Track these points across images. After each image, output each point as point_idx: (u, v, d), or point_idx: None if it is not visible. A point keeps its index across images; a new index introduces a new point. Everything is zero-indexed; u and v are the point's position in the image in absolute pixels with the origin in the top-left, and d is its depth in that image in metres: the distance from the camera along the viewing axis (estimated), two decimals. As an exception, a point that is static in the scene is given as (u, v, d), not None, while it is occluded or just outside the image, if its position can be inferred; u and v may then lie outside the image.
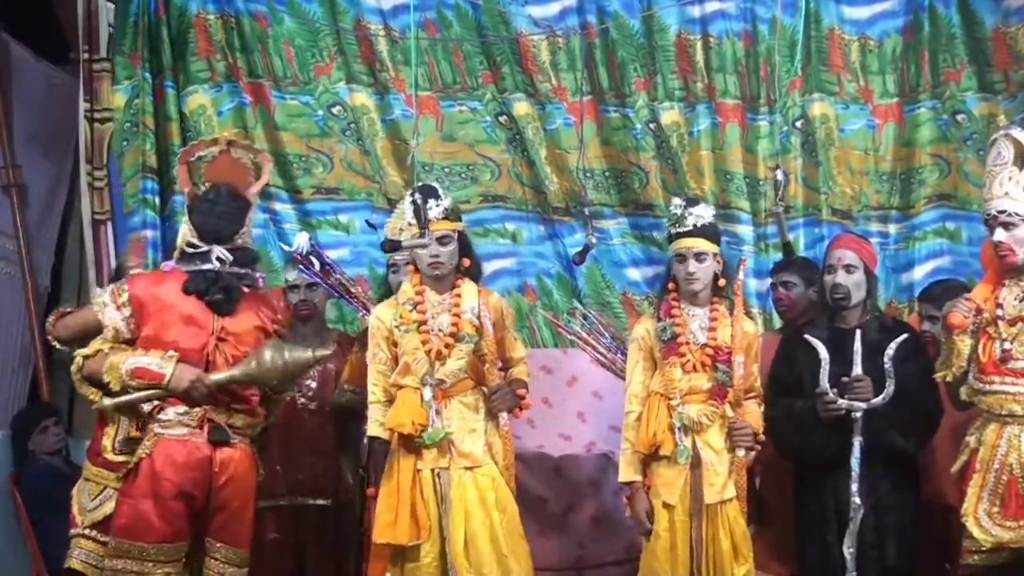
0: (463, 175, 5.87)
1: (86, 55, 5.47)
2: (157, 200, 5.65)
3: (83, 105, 5.44)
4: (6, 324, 5.67)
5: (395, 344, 4.26)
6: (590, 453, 5.26)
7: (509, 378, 4.39)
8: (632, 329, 4.57)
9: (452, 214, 4.29)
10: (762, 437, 4.36)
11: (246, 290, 4.06)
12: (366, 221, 5.56)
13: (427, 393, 4.17)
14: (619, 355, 5.10)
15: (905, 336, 4.35)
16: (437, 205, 4.21)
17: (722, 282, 4.36)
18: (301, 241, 4.84)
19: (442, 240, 4.23)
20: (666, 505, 4.26)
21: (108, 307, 3.98)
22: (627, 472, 4.39)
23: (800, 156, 5.84)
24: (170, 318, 3.96)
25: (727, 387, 4.30)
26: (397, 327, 4.25)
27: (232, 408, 3.99)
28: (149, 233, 5.59)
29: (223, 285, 3.97)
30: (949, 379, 4.16)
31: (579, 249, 5.41)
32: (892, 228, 5.85)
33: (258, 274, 4.18)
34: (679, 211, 4.32)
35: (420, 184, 4.45)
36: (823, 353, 4.31)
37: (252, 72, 5.84)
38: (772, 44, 5.72)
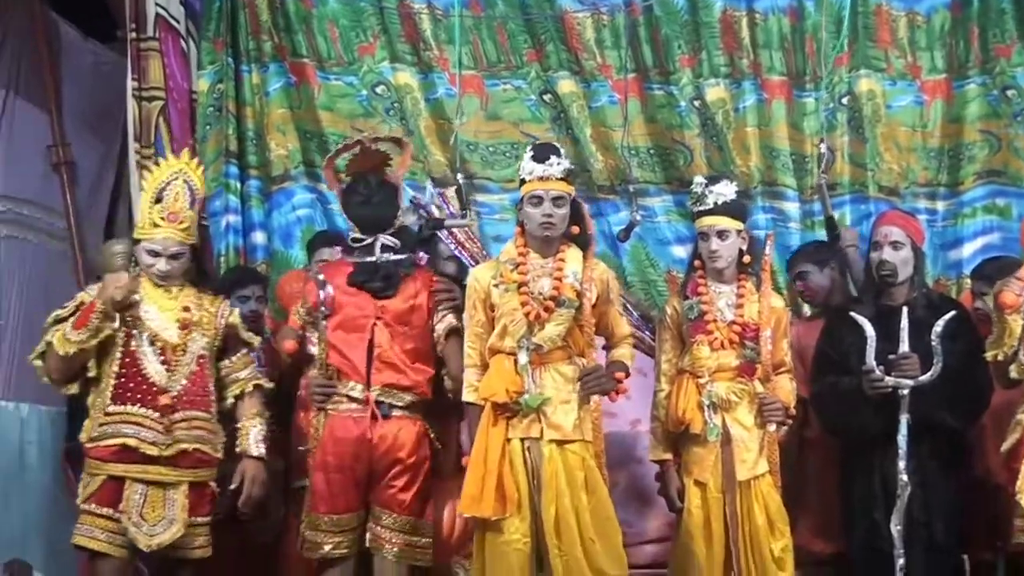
0: (507, 154, 5.85)
1: (133, 34, 5.49)
2: (238, 184, 5.72)
3: (131, 84, 5.46)
4: (57, 302, 5.73)
5: (492, 307, 4.17)
6: (634, 430, 5.26)
7: (610, 359, 4.30)
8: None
9: (571, 176, 4.21)
10: (793, 411, 4.36)
11: (407, 273, 4.30)
12: (410, 200, 5.56)
13: (523, 357, 4.07)
14: (646, 332, 5.11)
15: (953, 313, 4.33)
16: (558, 163, 4.13)
17: (747, 259, 4.34)
18: (429, 189, 5.13)
19: (557, 201, 4.13)
20: (698, 483, 4.27)
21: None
22: (657, 451, 4.42)
23: (846, 133, 5.78)
24: (344, 301, 4.30)
25: (755, 363, 4.29)
26: (495, 286, 4.15)
27: (395, 386, 4.23)
28: (231, 217, 5.65)
29: (383, 274, 4.28)
30: (1000, 358, 4.13)
31: (624, 227, 5.40)
32: (940, 205, 5.78)
33: (420, 253, 4.38)
34: (700, 189, 4.31)
35: (540, 142, 4.42)
36: (869, 330, 4.29)
37: (296, 52, 5.86)
38: (818, 20, 5.65)
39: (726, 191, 4.29)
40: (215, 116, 5.70)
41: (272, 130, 5.83)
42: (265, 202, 5.83)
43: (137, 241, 4.31)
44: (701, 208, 4.31)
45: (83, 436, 4.21)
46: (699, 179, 4.39)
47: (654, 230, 5.82)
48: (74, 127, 5.97)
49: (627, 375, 4.30)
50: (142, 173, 5.43)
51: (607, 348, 4.37)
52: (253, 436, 4.33)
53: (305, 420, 4.54)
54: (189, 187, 4.31)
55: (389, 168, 4.51)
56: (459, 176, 5.20)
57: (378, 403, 4.23)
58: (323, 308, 4.28)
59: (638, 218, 5.42)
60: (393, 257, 4.32)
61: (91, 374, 4.21)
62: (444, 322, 4.34)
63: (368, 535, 4.25)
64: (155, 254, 4.24)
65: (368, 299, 4.29)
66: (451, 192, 5.22)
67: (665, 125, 5.85)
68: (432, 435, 4.34)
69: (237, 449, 4.32)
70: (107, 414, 4.17)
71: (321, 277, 4.32)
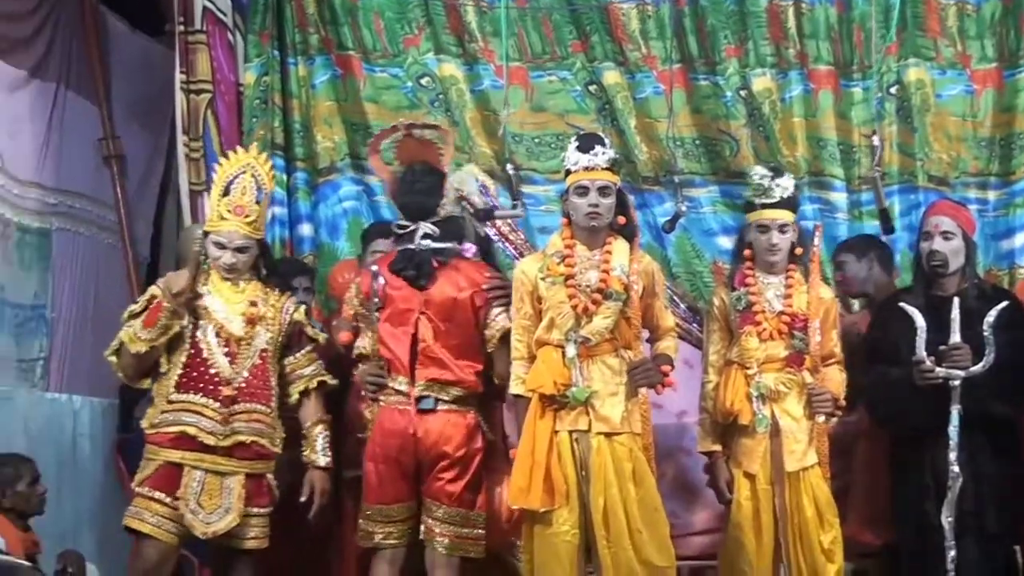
0: (553, 145, 5.84)
1: (181, 27, 5.54)
2: (285, 177, 5.74)
3: (179, 77, 5.52)
4: (108, 294, 5.80)
5: (539, 299, 4.17)
6: (680, 422, 5.26)
7: (655, 352, 4.30)
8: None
9: (616, 165, 4.21)
10: (843, 403, 4.34)
11: (443, 262, 4.28)
12: (455, 190, 5.57)
13: (571, 350, 4.07)
14: (694, 324, 5.08)
15: (1006, 303, 4.29)
16: (603, 153, 4.14)
17: (799, 250, 4.34)
18: (472, 179, 4.99)
19: (603, 191, 4.13)
20: (747, 474, 4.27)
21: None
22: (705, 442, 4.42)
23: (895, 122, 5.74)
24: (393, 294, 4.30)
25: (804, 354, 4.28)
26: (543, 279, 4.15)
27: (439, 380, 4.22)
28: (277, 209, 5.66)
29: (416, 262, 4.26)
30: (1057, 346, 4.10)
31: (669, 218, 5.38)
32: (991, 195, 5.72)
33: (466, 245, 4.35)
34: (765, 183, 4.29)
35: (585, 132, 4.42)
36: (919, 321, 4.26)
37: (342, 45, 5.88)
38: (866, 9, 5.62)
39: (789, 184, 4.30)
40: (261, 109, 5.73)
41: (318, 122, 5.86)
42: (311, 194, 5.85)
43: (208, 233, 4.33)
44: (766, 201, 4.29)
45: (145, 423, 4.24)
46: (762, 171, 4.37)
47: (699, 221, 5.80)
48: (123, 120, 6.04)
49: (672, 367, 4.30)
50: (191, 165, 5.52)
51: (651, 341, 4.37)
52: (320, 445, 4.33)
53: (357, 411, 4.56)
54: (256, 181, 4.30)
55: (441, 157, 4.51)
56: (509, 167, 5.20)
57: (423, 397, 4.23)
58: (375, 300, 4.29)
59: (683, 209, 5.39)
60: (433, 245, 4.30)
61: (163, 369, 4.23)
62: (498, 323, 4.29)
63: (422, 527, 4.27)
64: (221, 246, 4.26)
65: (414, 292, 4.28)
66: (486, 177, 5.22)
67: (711, 116, 5.83)
68: (484, 428, 4.33)
69: (304, 459, 4.33)
70: (170, 402, 4.19)
71: (375, 269, 4.33)
